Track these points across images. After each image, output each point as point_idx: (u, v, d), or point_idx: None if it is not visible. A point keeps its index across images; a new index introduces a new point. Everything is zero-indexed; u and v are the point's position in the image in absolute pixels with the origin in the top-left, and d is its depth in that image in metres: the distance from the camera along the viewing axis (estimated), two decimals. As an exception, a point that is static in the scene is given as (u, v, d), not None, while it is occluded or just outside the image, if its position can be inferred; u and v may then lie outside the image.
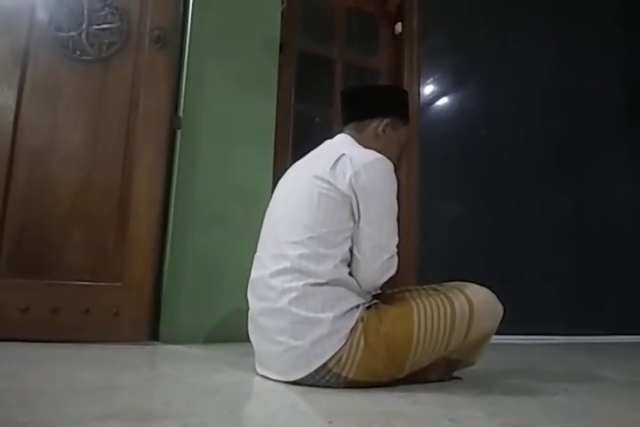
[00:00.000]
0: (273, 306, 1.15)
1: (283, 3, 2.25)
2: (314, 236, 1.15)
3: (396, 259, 1.21)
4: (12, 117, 1.74)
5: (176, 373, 1.31)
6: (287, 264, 1.15)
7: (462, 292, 1.21)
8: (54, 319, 1.68)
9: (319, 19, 2.73)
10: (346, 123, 1.38)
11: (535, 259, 2.85)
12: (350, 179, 1.16)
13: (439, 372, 1.28)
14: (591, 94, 3.16)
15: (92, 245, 1.77)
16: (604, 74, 3.24)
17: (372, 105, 1.36)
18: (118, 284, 1.77)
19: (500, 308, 1.25)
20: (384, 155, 1.27)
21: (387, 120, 1.34)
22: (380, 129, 1.34)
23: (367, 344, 1.11)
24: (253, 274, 1.27)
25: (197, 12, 2.02)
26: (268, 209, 1.34)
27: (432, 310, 1.16)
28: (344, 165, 1.18)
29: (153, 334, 1.80)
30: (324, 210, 1.17)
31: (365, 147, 1.30)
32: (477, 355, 1.30)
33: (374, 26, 2.79)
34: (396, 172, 1.25)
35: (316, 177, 1.20)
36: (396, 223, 1.23)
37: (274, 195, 1.35)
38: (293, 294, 1.13)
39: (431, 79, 2.78)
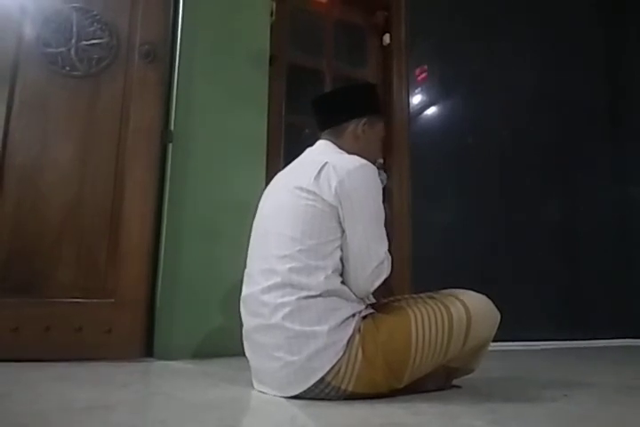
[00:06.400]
0: (267, 322, 1.14)
1: (272, 16, 2.27)
2: (303, 248, 1.14)
3: (385, 264, 1.20)
4: (0, 134, 1.73)
5: (172, 389, 1.29)
6: (278, 279, 1.14)
7: (459, 299, 1.20)
8: (46, 338, 1.65)
9: (308, 31, 2.76)
10: (322, 129, 1.38)
11: (527, 264, 2.87)
12: (335, 188, 1.16)
13: (438, 381, 1.27)
14: (577, 100, 3.21)
15: (84, 261, 1.75)
16: (589, 80, 3.30)
17: (347, 108, 1.36)
18: (111, 300, 1.74)
19: (497, 314, 1.25)
20: (367, 155, 1.28)
21: (363, 120, 1.34)
22: (359, 130, 1.34)
23: (365, 355, 1.10)
24: (244, 290, 1.26)
25: (187, 26, 2.03)
26: (255, 223, 1.33)
27: (429, 319, 1.16)
28: (328, 174, 1.18)
29: (147, 350, 1.78)
30: (310, 222, 1.16)
31: (347, 150, 1.31)
32: (476, 362, 1.30)
33: (362, 37, 2.82)
34: (383, 165, 1.25)
35: (301, 188, 1.19)
36: (383, 229, 1.22)
37: (259, 207, 1.34)
38: (287, 309, 1.12)
39: (419, 89, 2.81)
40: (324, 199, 1.16)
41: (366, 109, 1.36)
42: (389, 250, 1.23)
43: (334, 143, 1.33)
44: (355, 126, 1.34)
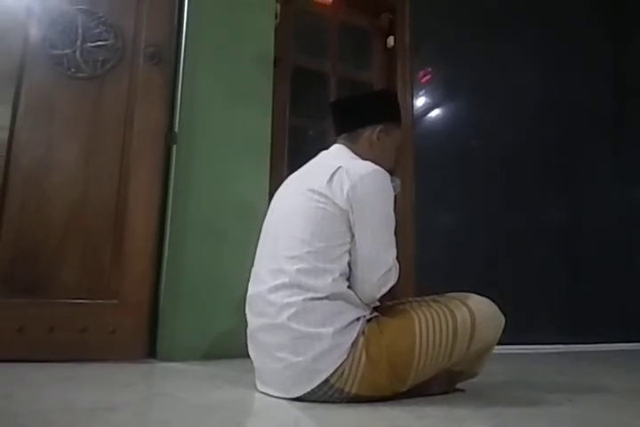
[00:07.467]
0: (272, 322, 1.14)
1: (276, 18, 2.28)
2: (312, 250, 1.15)
3: (393, 272, 1.20)
4: (6, 135, 1.74)
5: (175, 391, 1.29)
6: (285, 279, 1.14)
7: (463, 303, 1.20)
8: (50, 339, 1.65)
9: (312, 33, 2.76)
10: (339, 133, 1.38)
11: (532, 267, 2.86)
12: (347, 193, 1.16)
13: (442, 384, 1.27)
14: (577, 100, 3.20)
15: (88, 262, 1.76)
16: (589, 80, 3.29)
17: (363, 114, 1.36)
18: (115, 301, 1.74)
19: (502, 318, 1.24)
20: (381, 162, 1.28)
21: (379, 127, 1.35)
22: (375, 137, 1.34)
23: (369, 358, 1.10)
24: (251, 289, 1.26)
25: (192, 28, 2.03)
26: (265, 223, 1.33)
27: (434, 322, 1.16)
28: (341, 178, 1.18)
29: (150, 351, 1.78)
30: (320, 224, 1.16)
31: (361, 156, 1.31)
32: (480, 366, 1.30)
33: (367, 40, 2.82)
34: (394, 175, 1.25)
35: (313, 191, 1.19)
36: (393, 236, 1.22)
37: (270, 208, 1.35)
38: (293, 310, 1.12)
39: (423, 91, 2.81)
40: (335, 203, 1.17)
41: (383, 117, 1.36)
42: (397, 257, 1.22)
43: (349, 148, 1.34)
44: (370, 133, 1.34)
